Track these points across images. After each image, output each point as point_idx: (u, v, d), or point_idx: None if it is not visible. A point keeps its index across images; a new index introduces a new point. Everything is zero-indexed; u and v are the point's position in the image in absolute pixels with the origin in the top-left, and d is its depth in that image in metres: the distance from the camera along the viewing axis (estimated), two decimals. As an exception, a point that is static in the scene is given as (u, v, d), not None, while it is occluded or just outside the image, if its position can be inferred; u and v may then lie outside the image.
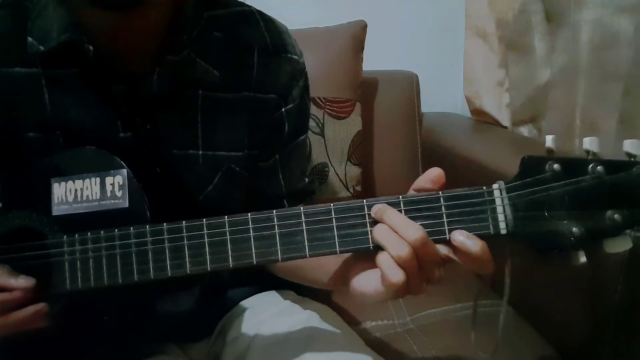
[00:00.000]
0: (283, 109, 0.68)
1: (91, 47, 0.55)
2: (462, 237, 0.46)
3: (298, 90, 0.69)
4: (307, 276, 0.64)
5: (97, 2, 0.52)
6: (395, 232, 0.46)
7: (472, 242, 0.45)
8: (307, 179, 0.75)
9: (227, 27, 0.64)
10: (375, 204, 0.48)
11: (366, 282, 0.50)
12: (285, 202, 0.72)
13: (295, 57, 0.68)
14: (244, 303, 0.75)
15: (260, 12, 0.67)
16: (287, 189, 0.72)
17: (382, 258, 0.46)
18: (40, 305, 0.51)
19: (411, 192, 0.50)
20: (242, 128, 0.66)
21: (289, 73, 0.67)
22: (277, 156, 0.70)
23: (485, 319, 0.53)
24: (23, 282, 0.51)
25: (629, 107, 0.90)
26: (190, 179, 0.64)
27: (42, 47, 0.57)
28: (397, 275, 0.45)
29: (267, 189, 0.71)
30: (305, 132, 0.74)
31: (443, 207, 0.47)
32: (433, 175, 0.48)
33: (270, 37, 0.66)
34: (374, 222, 0.48)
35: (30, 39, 0.57)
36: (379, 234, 0.47)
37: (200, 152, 0.64)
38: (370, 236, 0.48)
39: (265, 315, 0.71)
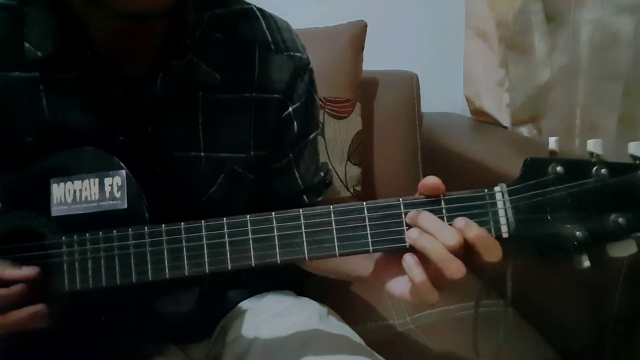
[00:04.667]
0: (290, 109, 0.67)
1: (89, 52, 0.55)
2: (463, 222, 0.46)
3: (303, 87, 0.68)
4: (331, 268, 0.65)
5: (116, 15, 0.51)
6: (433, 236, 0.46)
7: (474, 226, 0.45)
8: (322, 173, 0.75)
9: (227, 26, 0.63)
10: (374, 206, 0.48)
11: (399, 286, 0.51)
12: (305, 198, 0.73)
13: (298, 53, 0.67)
14: (244, 304, 0.75)
15: (260, 9, 0.66)
16: (305, 185, 0.72)
17: (407, 259, 0.47)
18: (39, 307, 0.51)
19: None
20: (246, 129, 0.65)
21: (292, 70, 0.66)
22: (290, 155, 0.70)
23: (486, 319, 0.53)
24: (28, 271, 0.51)
25: (629, 107, 0.90)
26: (193, 181, 0.64)
27: (39, 53, 0.56)
28: (420, 276, 0.46)
29: (284, 188, 0.71)
30: (316, 128, 0.73)
31: (444, 209, 0.47)
32: (427, 184, 0.47)
33: (271, 34, 0.65)
34: (374, 225, 0.48)
35: (27, 44, 0.56)
36: (414, 237, 0.46)
37: (203, 153, 0.63)
38: (370, 239, 0.47)
39: (265, 316, 0.70)
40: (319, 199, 0.75)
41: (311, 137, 0.71)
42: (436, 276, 0.46)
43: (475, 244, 0.45)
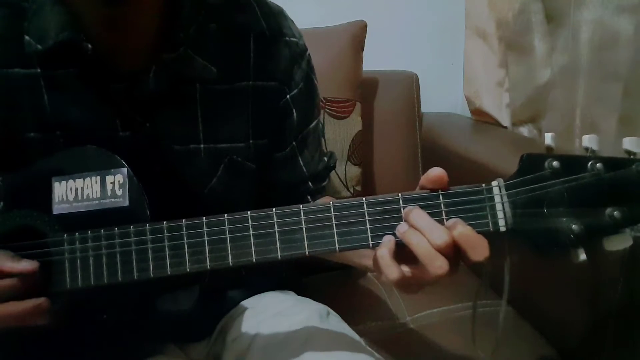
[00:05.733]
0: (288, 96, 0.67)
1: (90, 45, 0.55)
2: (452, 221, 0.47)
3: (301, 74, 0.67)
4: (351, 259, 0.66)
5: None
6: (422, 233, 0.46)
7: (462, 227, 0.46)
8: (325, 158, 0.75)
9: (222, 16, 0.63)
10: (374, 201, 0.48)
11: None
12: (310, 184, 0.73)
13: (294, 39, 0.67)
14: (244, 303, 0.75)
15: None
16: (309, 172, 0.72)
17: (380, 255, 0.47)
18: (41, 300, 0.50)
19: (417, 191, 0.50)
20: (244, 118, 0.65)
21: (288, 57, 0.66)
22: (294, 143, 0.70)
23: (485, 318, 0.53)
24: (26, 265, 0.51)
25: (629, 107, 0.90)
26: (193, 174, 0.64)
27: (39, 46, 0.57)
28: (394, 274, 0.47)
29: (290, 177, 0.72)
30: (317, 115, 0.73)
31: (442, 204, 0.47)
32: (432, 176, 0.48)
33: (265, 21, 0.65)
34: (373, 221, 0.48)
35: (27, 37, 0.57)
36: (402, 231, 0.47)
37: (202, 145, 0.63)
38: (369, 234, 0.48)
39: (266, 315, 0.70)
40: (324, 183, 0.75)
41: (313, 124, 0.71)
42: (421, 271, 0.47)
43: (459, 242, 0.46)
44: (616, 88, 0.91)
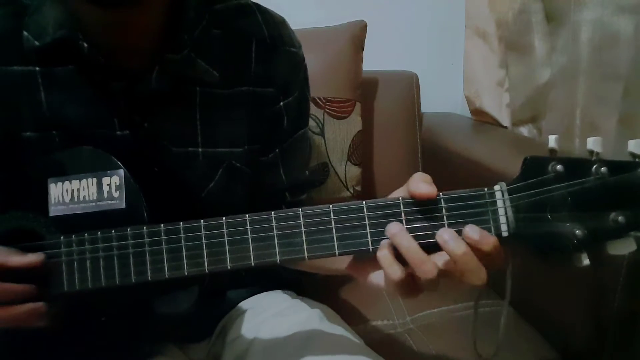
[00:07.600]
0: (282, 103, 0.67)
1: (86, 44, 0.55)
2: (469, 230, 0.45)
3: (297, 83, 0.68)
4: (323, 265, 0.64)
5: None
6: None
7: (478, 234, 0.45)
8: (307, 172, 0.75)
9: (225, 22, 0.63)
10: (374, 205, 0.48)
11: (379, 277, 0.50)
12: (287, 195, 0.73)
13: (294, 49, 0.68)
14: (244, 304, 0.75)
15: (256, 4, 0.67)
16: (289, 182, 0.72)
17: (381, 255, 0.47)
18: (39, 304, 0.50)
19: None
20: (242, 123, 0.65)
21: (287, 66, 0.67)
22: (277, 150, 0.70)
23: (486, 319, 0.53)
24: (33, 257, 0.51)
25: (629, 107, 0.90)
26: (191, 177, 0.64)
27: (37, 43, 0.56)
28: (396, 273, 0.46)
29: (269, 183, 0.71)
30: (305, 125, 0.73)
31: (443, 208, 0.47)
32: (418, 196, 0.47)
33: (267, 29, 0.66)
34: (373, 224, 0.48)
35: (26, 33, 0.57)
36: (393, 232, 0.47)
37: (200, 149, 0.63)
38: (369, 238, 0.47)
39: (266, 315, 0.71)
40: (302, 196, 0.75)
41: (299, 133, 0.72)
42: (412, 274, 0.46)
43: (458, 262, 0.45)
44: (616, 88, 0.91)
